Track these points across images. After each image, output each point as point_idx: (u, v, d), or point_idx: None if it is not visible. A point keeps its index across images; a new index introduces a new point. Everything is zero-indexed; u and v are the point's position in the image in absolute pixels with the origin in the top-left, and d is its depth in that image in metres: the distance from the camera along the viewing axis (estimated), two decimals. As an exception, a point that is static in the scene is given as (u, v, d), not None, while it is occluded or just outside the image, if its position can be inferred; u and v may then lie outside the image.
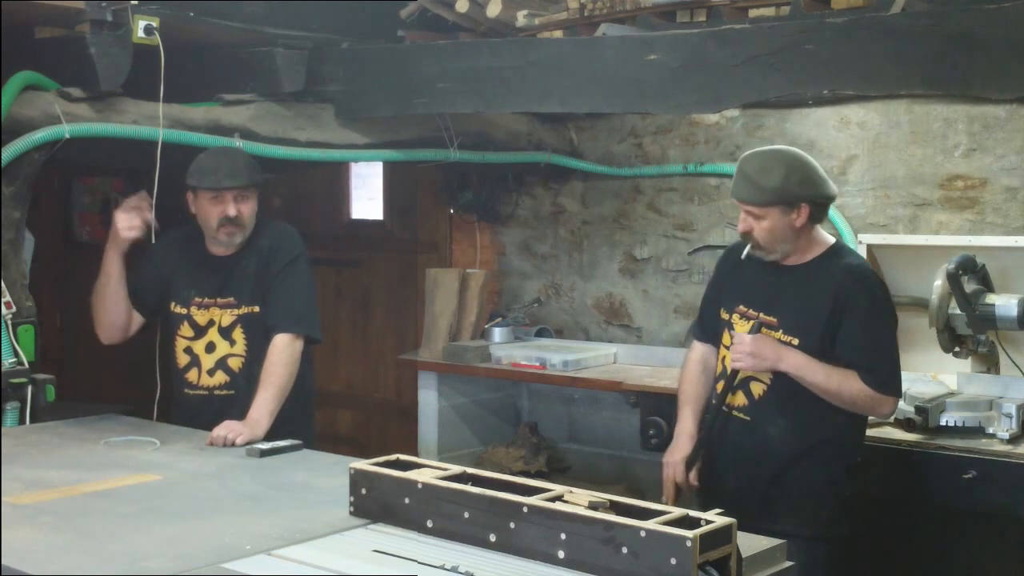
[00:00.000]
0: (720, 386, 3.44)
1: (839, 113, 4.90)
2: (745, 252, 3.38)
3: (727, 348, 3.42)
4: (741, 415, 3.39)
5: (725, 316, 3.46)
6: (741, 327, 3.38)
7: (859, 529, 3.47)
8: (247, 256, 3.80)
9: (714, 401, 3.47)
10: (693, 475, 3.44)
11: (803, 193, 3.26)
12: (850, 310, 3.27)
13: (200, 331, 3.79)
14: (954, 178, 4.63)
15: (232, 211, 3.70)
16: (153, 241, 3.95)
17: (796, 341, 3.30)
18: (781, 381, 3.31)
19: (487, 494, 2.43)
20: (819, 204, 3.31)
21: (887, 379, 3.29)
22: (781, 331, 3.32)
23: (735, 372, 3.35)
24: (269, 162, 4.39)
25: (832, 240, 3.43)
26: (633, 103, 4.25)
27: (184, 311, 3.79)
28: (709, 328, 3.57)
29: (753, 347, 3.26)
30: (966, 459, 3.70)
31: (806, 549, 3.21)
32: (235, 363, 3.77)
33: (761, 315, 3.35)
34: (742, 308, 3.41)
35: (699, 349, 3.62)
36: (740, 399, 3.38)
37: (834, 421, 3.34)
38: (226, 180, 3.71)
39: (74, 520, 2.66)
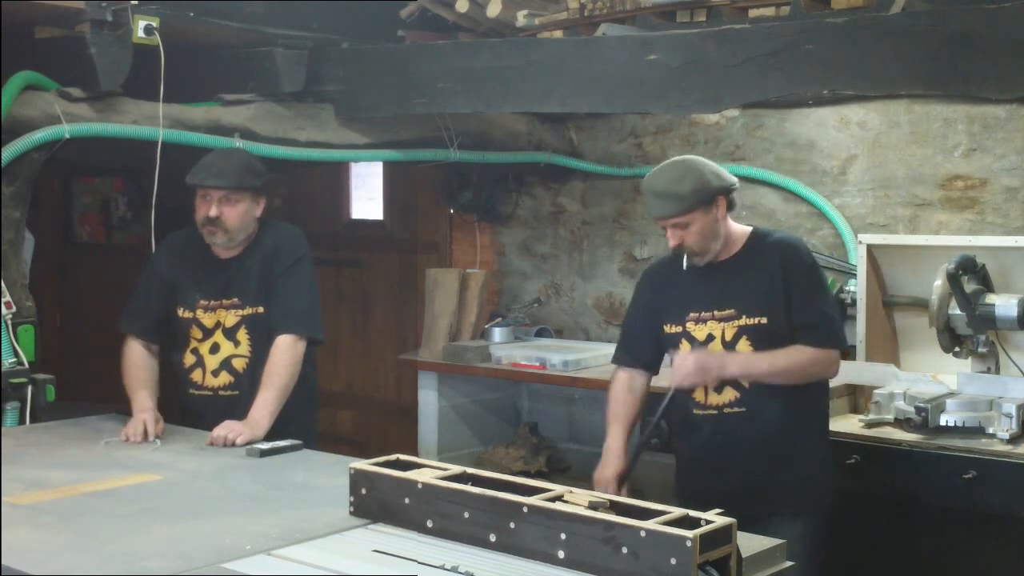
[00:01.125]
0: (699, 392, 3.42)
1: (839, 113, 4.90)
2: (685, 264, 3.40)
3: None
4: (735, 409, 3.39)
5: (676, 329, 3.46)
6: (701, 331, 3.41)
7: (854, 523, 3.57)
8: (251, 257, 3.80)
9: (697, 407, 3.44)
10: (624, 491, 3.42)
11: (717, 186, 3.35)
12: (792, 278, 3.38)
13: (207, 333, 3.79)
14: (954, 178, 4.63)
15: (214, 212, 3.69)
16: (153, 243, 3.96)
17: (764, 320, 3.36)
18: None
19: (487, 494, 2.43)
20: (730, 193, 3.41)
21: (827, 335, 3.40)
22: (744, 316, 3.37)
23: (672, 392, 3.36)
24: (269, 162, 4.38)
25: (749, 228, 3.51)
26: (633, 103, 4.25)
27: (191, 315, 3.78)
28: (637, 352, 3.58)
29: (696, 364, 3.30)
30: (966, 459, 3.69)
31: (813, 522, 3.39)
32: (239, 364, 3.77)
33: (715, 312, 3.40)
34: (693, 315, 3.43)
35: (624, 373, 3.60)
36: (728, 395, 3.39)
37: (813, 392, 3.47)
38: (211, 179, 3.70)
39: (74, 520, 2.66)
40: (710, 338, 3.41)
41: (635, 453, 3.48)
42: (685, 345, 3.44)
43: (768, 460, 3.38)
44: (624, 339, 3.67)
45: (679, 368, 3.33)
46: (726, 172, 3.44)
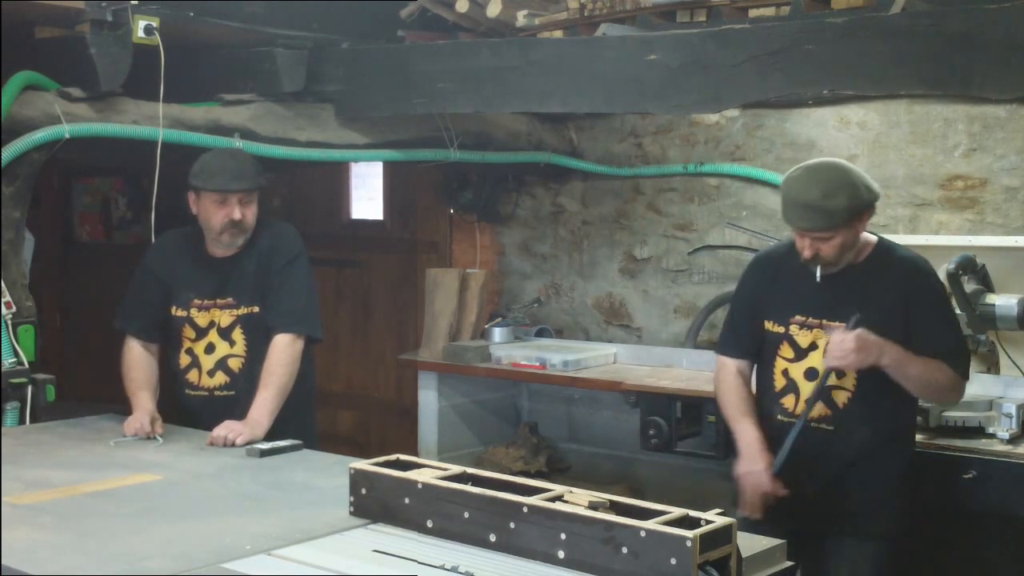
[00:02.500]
0: (789, 400, 3.33)
1: (839, 113, 4.90)
2: (818, 275, 3.26)
3: (788, 361, 3.34)
4: (823, 426, 3.29)
5: (778, 329, 3.36)
6: (804, 338, 3.30)
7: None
8: (246, 256, 3.79)
9: (783, 415, 3.35)
10: (779, 484, 3.29)
11: (866, 203, 3.22)
12: (921, 302, 3.25)
13: (201, 332, 3.78)
14: (954, 178, 4.63)
15: (237, 214, 3.69)
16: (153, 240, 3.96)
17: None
18: (866, 386, 3.25)
19: (487, 494, 2.43)
20: (874, 208, 3.29)
21: (965, 363, 3.31)
22: None
23: (827, 373, 3.23)
24: (269, 162, 4.39)
25: (874, 237, 3.36)
26: (633, 103, 4.25)
27: (184, 313, 3.78)
28: (744, 343, 3.47)
29: (857, 343, 3.12)
30: (966, 459, 3.69)
31: (884, 547, 3.31)
32: (235, 364, 3.77)
33: (823, 321, 3.28)
34: (799, 318, 3.32)
35: (732, 364, 3.48)
36: (821, 410, 3.28)
37: (905, 417, 3.38)
38: (232, 183, 3.69)
39: (74, 520, 2.66)
40: (813, 347, 3.29)
41: (788, 448, 3.28)
42: (786, 349, 3.33)
43: (847, 481, 3.29)
44: (730, 329, 3.55)
45: (838, 346, 3.15)
46: (872, 182, 3.28)
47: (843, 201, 3.15)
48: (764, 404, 3.40)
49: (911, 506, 3.39)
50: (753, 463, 3.30)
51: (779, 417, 3.35)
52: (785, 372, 3.36)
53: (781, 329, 3.36)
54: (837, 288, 3.28)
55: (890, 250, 3.35)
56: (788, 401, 3.34)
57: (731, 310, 3.62)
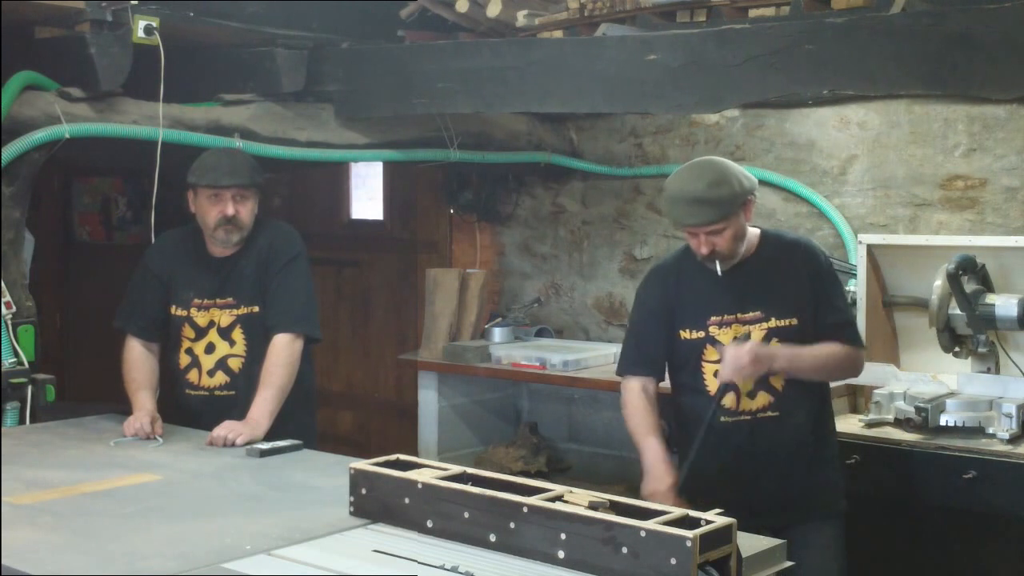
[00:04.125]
0: (730, 398, 3.32)
1: (839, 113, 4.90)
2: (719, 270, 3.30)
3: (715, 363, 3.31)
4: (769, 413, 3.32)
5: (696, 335, 3.35)
6: (726, 336, 3.32)
7: (854, 523, 3.55)
8: (246, 256, 3.80)
9: (725, 415, 3.32)
10: (684, 501, 3.24)
11: (748, 188, 3.29)
12: (820, 280, 3.37)
13: (201, 332, 3.78)
14: (954, 178, 4.63)
15: (230, 210, 3.69)
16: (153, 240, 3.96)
17: (795, 321, 3.31)
18: None
19: (487, 494, 2.43)
20: (754, 194, 3.36)
21: (855, 334, 3.44)
22: (773, 318, 3.31)
23: (723, 388, 3.26)
24: (269, 162, 4.39)
25: (757, 229, 3.43)
26: (633, 103, 4.24)
27: (184, 313, 3.79)
28: (649, 360, 3.45)
29: (751, 356, 3.19)
30: (966, 459, 3.70)
31: (840, 524, 3.39)
32: (235, 363, 3.77)
33: (738, 315, 3.32)
34: (715, 318, 3.34)
35: (635, 382, 3.46)
36: (763, 399, 3.31)
37: (827, 391, 3.48)
38: (225, 178, 3.70)
39: (74, 520, 2.66)
40: (737, 341, 3.30)
41: (693, 459, 3.27)
42: (711, 351, 3.34)
43: (801, 464, 3.34)
44: (633, 347, 3.50)
45: (733, 361, 3.19)
46: (747, 171, 3.37)
47: (728, 190, 3.22)
48: (702, 411, 3.32)
49: (846, 481, 3.52)
50: (659, 482, 3.29)
51: (723, 419, 3.32)
52: (716, 374, 3.32)
53: (700, 334, 3.36)
54: (742, 280, 3.35)
55: (778, 236, 3.49)
56: (729, 400, 3.32)
57: (633, 327, 3.55)
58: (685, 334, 3.39)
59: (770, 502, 3.28)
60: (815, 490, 3.36)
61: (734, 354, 3.21)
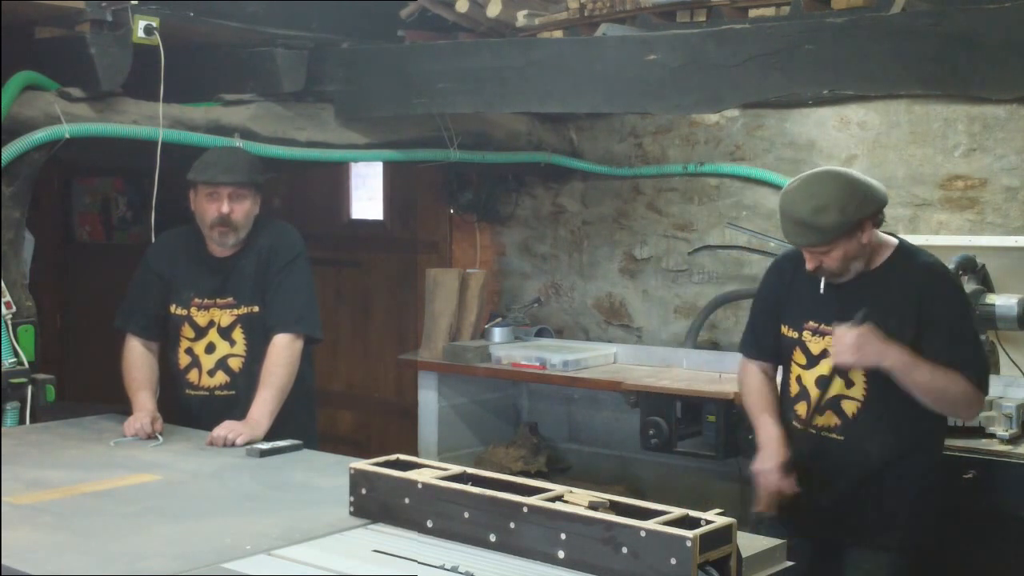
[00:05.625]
0: (802, 407, 3.27)
1: (839, 113, 4.90)
2: (823, 286, 3.22)
3: (801, 367, 3.28)
4: (833, 436, 3.23)
5: (792, 334, 3.30)
6: (816, 345, 3.24)
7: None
8: (246, 256, 3.79)
9: (797, 421, 3.30)
10: (792, 481, 3.24)
11: (863, 214, 3.11)
12: (937, 310, 3.14)
13: (200, 332, 3.78)
14: (954, 178, 4.63)
15: (225, 208, 3.68)
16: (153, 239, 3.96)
17: None
18: (875, 395, 3.17)
19: (487, 494, 2.43)
20: (878, 213, 3.20)
21: (984, 377, 3.18)
22: None
23: (833, 371, 3.17)
24: (269, 162, 4.39)
25: (895, 240, 3.27)
26: (633, 103, 4.25)
27: (184, 312, 3.79)
28: (764, 346, 3.42)
29: (858, 340, 3.04)
30: (966, 459, 3.69)
31: (902, 562, 3.24)
32: (235, 363, 3.77)
33: (834, 326, 3.17)
34: (811, 324, 3.25)
35: (754, 365, 3.44)
36: (830, 419, 3.22)
37: (924, 428, 3.24)
38: (221, 176, 3.69)
39: (74, 520, 2.66)
40: (824, 354, 3.21)
41: (796, 450, 3.24)
42: (799, 354, 3.28)
43: (861, 492, 3.22)
44: (750, 331, 3.50)
45: (838, 341, 3.08)
46: (877, 190, 3.17)
47: (833, 217, 3.07)
48: (783, 409, 3.34)
49: (934, 520, 3.30)
50: (770, 459, 3.25)
51: (793, 423, 3.30)
52: (799, 379, 3.30)
53: (795, 335, 3.30)
54: (849, 295, 3.19)
55: (910, 256, 3.24)
56: (801, 408, 3.28)
57: (752, 312, 3.54)
58: (786, 330, 3.34)
59: (825, 518, 3.24)
60: (875, 520, 3.22)
61: (839, 335, 3.09)
